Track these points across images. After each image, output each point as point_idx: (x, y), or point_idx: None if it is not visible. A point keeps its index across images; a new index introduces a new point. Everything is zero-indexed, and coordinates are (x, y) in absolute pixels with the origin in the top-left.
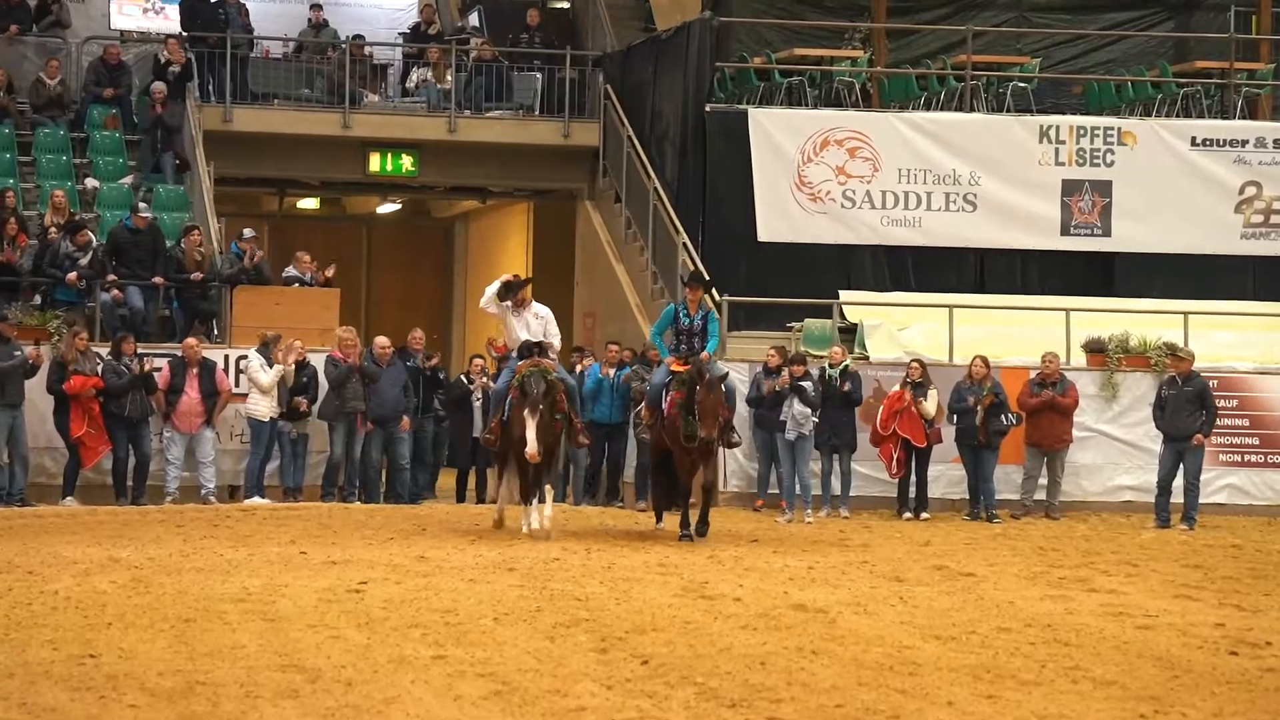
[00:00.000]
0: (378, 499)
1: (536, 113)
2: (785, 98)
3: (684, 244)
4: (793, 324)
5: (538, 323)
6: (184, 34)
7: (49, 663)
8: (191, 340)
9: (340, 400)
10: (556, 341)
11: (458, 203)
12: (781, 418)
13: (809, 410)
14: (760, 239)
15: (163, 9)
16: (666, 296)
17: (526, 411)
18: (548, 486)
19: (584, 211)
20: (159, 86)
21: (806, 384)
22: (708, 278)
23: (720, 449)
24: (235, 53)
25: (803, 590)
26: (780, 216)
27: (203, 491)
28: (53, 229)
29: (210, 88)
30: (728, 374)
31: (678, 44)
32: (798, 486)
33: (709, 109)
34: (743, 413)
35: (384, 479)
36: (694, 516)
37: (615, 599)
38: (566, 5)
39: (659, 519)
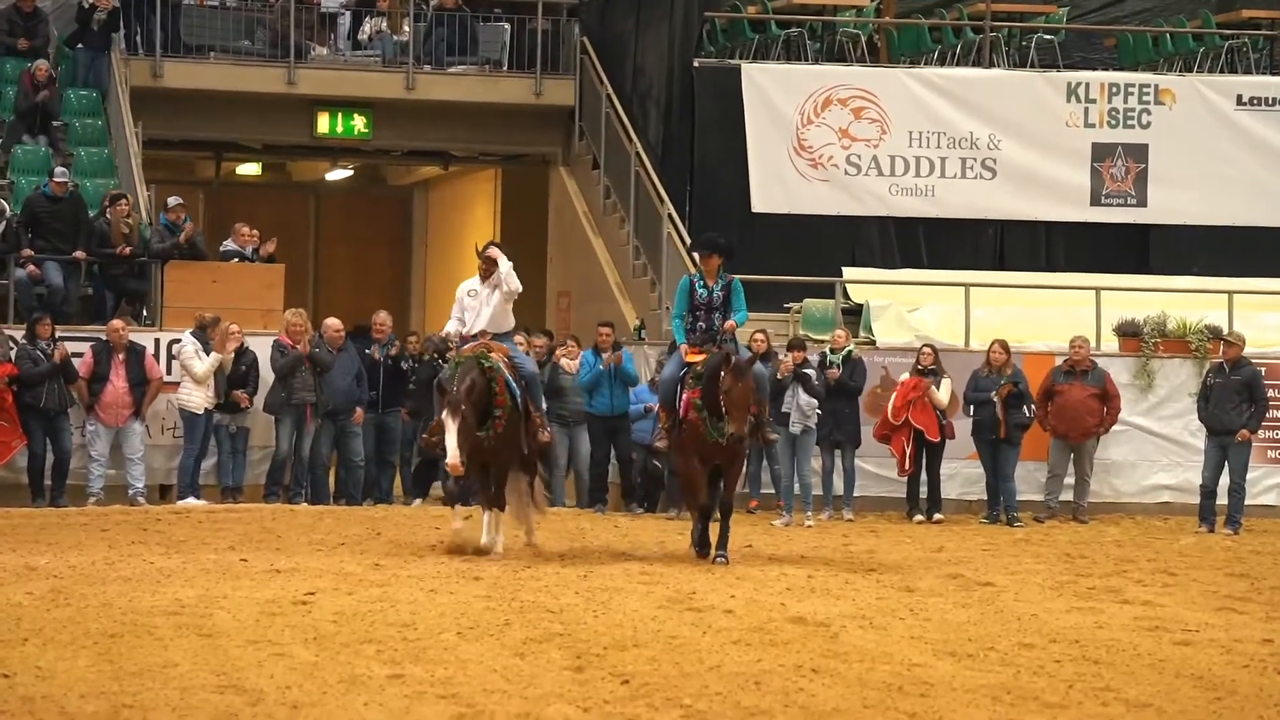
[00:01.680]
0: (327, 500)
1: (505, 68)
2: (782, 51)
3: (669, 215)
4: (791, 304)
5: (498, 296)
6: None
7: None
8: (117, 323)
9: (287, 391)
10: (510, 322)
11: (416, 169)
12: (784, 409)
13: (815, 401)
14: (754, 209)
15: None
16: (650, 273)
17: (446, 414)
18: (538, 490)
19: (558, 179)
20: (42, 65)
21: (810, 372)
22: (723, 241)
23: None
24: (167, 0)
25: (801, 601)
26: (777, 184)
27: (131, 492)
28: None
29: (138, 39)
30: (755, 358)
31: None
32: (796, 486)
33: (697, 64)
34: None
35: (333, 478)
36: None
37: (593, 611)
38: None
39: (699, 545)
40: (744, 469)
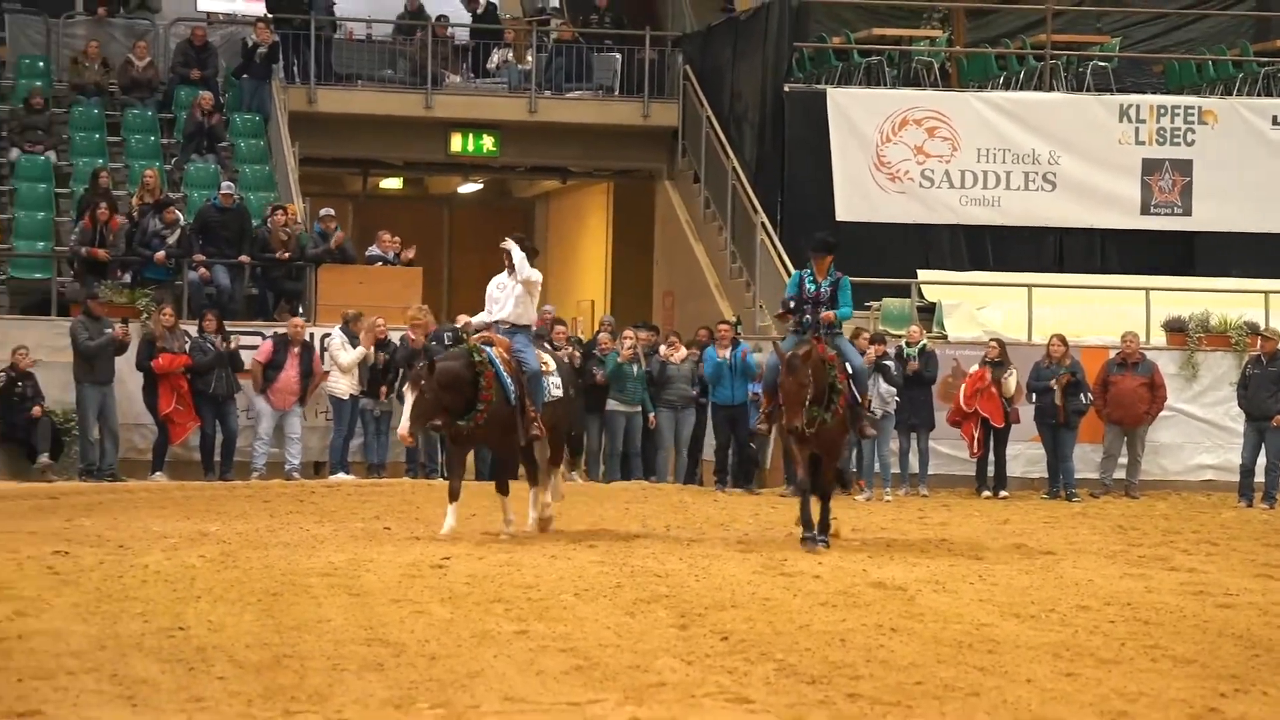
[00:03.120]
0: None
1: (616, 93)
2: (864, 77)
3: (762, 223)
4: (871, 303)
5: (521, 290)
6: (270, 15)
7: (140, 635)
8: (298, 320)
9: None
10: (530, 316)
11: (538, 182)
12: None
13: (893, 389)
14: (838, 218)
15: None
16: (745, 275)
17: (406, 387)
18: (558, 474)
19: (663, 191)
20: (206, 96)
21: (889, 363)
22: (833, 240)
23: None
24: (319, 34)
25: (881, 568)
26: (859, 196)
27: (288, 468)
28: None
29: (295, 69)
30: (809, 353)
31: (757, 24)
32: (876, 465)
33: (788, 89)
34: None
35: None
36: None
37: (695, 576)
38: None
39: (806, 526)
40: (840, 454)
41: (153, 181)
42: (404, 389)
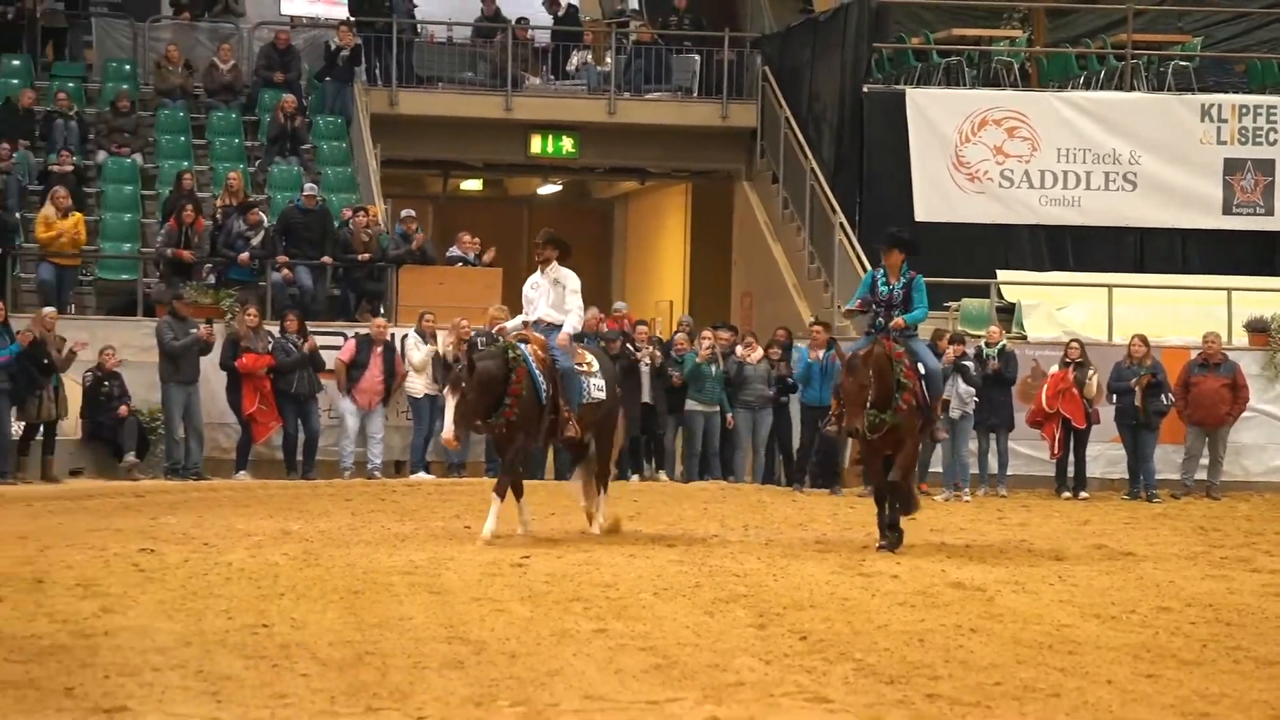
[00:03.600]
0: (539, 475)
1: (695, 94)
2: (943, 78)
3: (841, 224)
4: (950, 303)
5: (556, 290)
6: (352, 19)
7: (224, 632)
8: (381, 320)
9: None
10: (572, 317)
11: (617, 184)
12: (944, 397)
13: (972, 390)
14: (917, 219)
15: None
16: (824, 276)
17: (446, 391)
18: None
19: (741, 192)
20: (289, 99)
21: (969, 363)
22: (904, 235)
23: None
24: (401, 37)
25: (960, 568)
26: (938, 196)
27: (370, 466)
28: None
29: (377, 72)
30: (869, 354)
31: (836, 25)
32: (956, 465)
33: (866, 89)
34: None
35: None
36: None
37: (773, 575)
38: None
39: (881, 534)
40: (913, 456)
41: (237, 184)
42: (445, 392)
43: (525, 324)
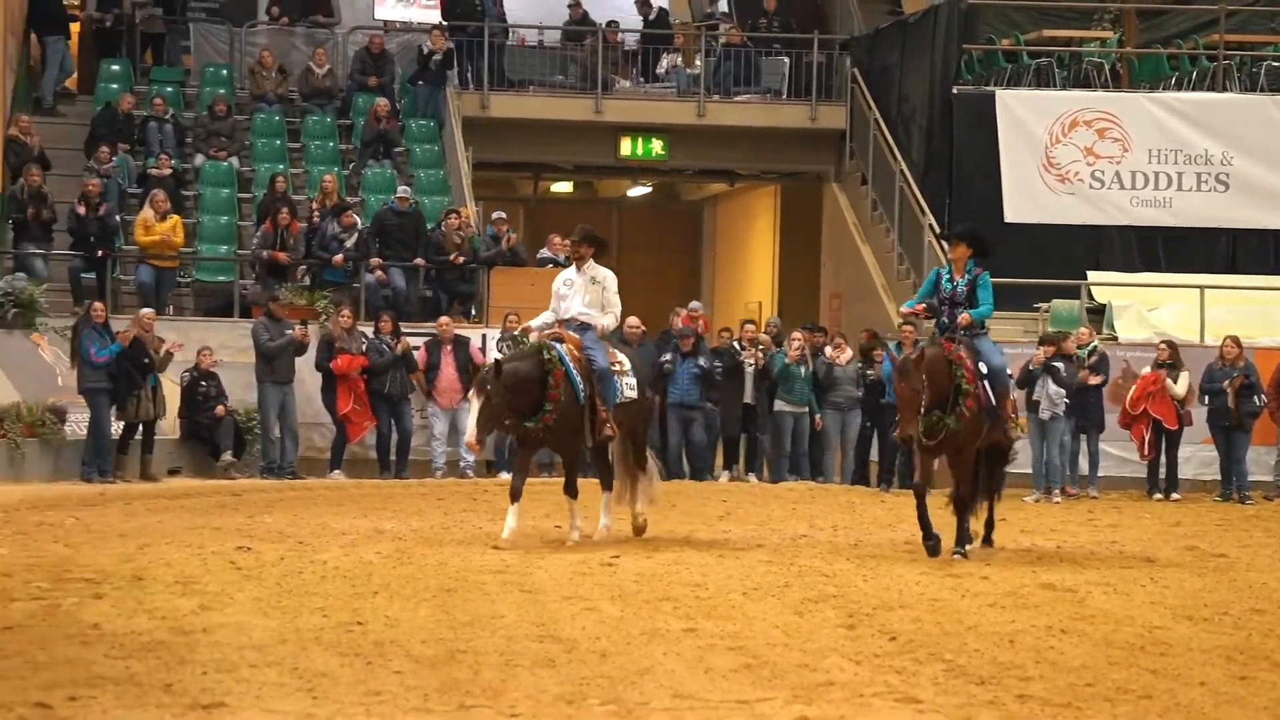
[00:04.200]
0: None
1: (784, 96)
2: (1033, 79)
3: (930, 225)
4: (1040, 305)
5: (594, 289)
6: (444, 23)
7: (319, 629)
8: (445, 319)
9: None
10: (610, 317)
11: (706, 185)
12: (1034, 397)
13: (1063, 391)
14: (1007, 219)
15: None
16: (913, 277)
17: (472, 392)
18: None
19: (830, 193)
20: (383, 102)
21: (1059, 364)
22: (971, 231)
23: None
24: (492, 41)
25: (1051, 569)
26: (1028, 197)
27: (461, 465)
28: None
29: (469, 75)
30: (921, 357)
31: (925, 26)
32: (1046, 466)
33: (956, 91)
34: None
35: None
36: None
37: (863, 576)
38: None
39: (926, 533)
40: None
41: (331, 186)
42: (469, 394)
43: (558, 321)
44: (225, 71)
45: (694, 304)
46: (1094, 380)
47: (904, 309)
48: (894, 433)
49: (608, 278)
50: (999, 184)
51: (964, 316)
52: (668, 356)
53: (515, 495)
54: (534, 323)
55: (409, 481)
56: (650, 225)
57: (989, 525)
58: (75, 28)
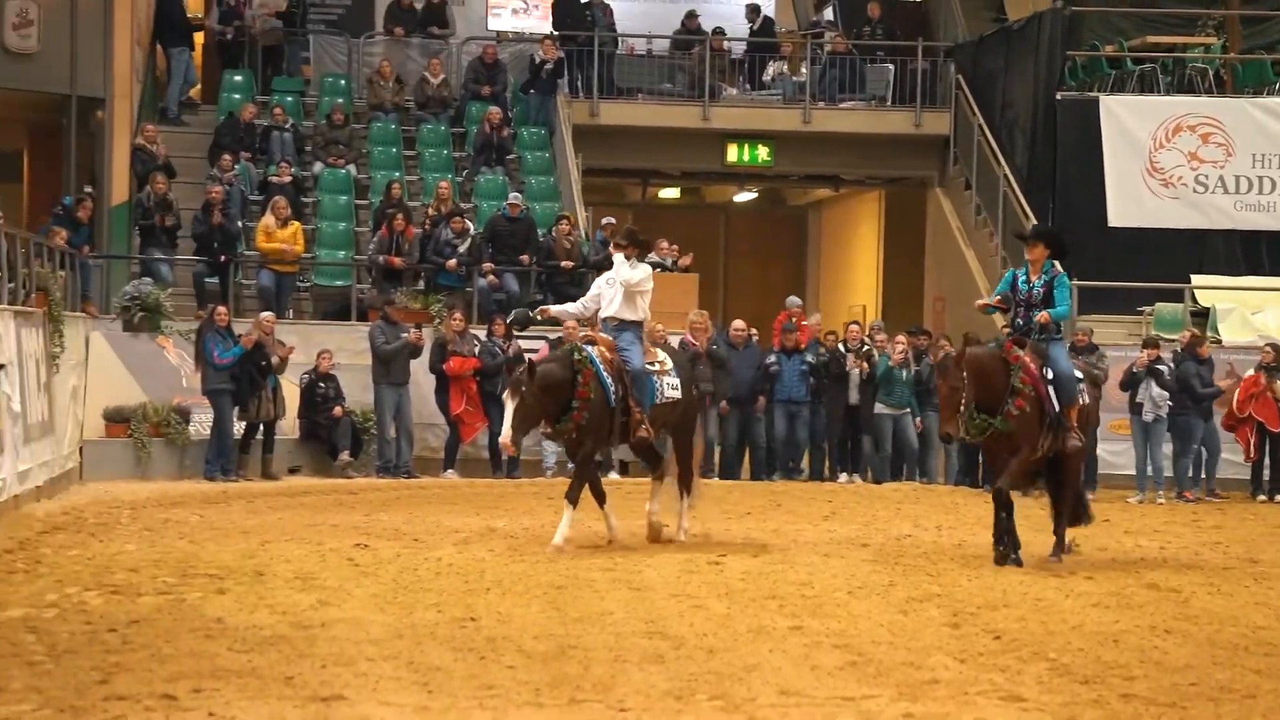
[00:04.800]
0: (736, 476)
1: (888, 103)
2: (1137, 85)
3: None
4: (1144, 308)
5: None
6: (556, 33)
7: (434, 625)
8: (572, 323)
9: None
10: (640, 313)
11: (811, 191)
12: (1138, 400)
13: (1166, 393)
14: (1111, 224)
15: (537, 9)
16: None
17: (506, 394)
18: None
19: (934, 198)
20: (495, 111)
21: (1163, 367)
22: (1049, 231)
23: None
24: (602, 50)
25: (1154, 569)
26: (1131, 201)
27: (570, 465)
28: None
29: (579, 84)
30: (960, 356)
31: (1029, 33)
32: (1149, 468)
33: (1060, 97)
34: None
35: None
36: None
37: (967, 576)
38: None
39: (997, 541)
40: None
41: (445, 193)
42: (504, 395)
43: (586, 320)
44: (343, 81)
45: (793, 300)
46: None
47: (980, 303)
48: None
49: (641, 268)
50: (1102, 188)
51: (1042, 315)
52: (772, 358)
53: (599, 500)
54: (554, 308)
55: (520, 481)
56: (756, 230)
57: (1058, 539)
58: (199, 39)
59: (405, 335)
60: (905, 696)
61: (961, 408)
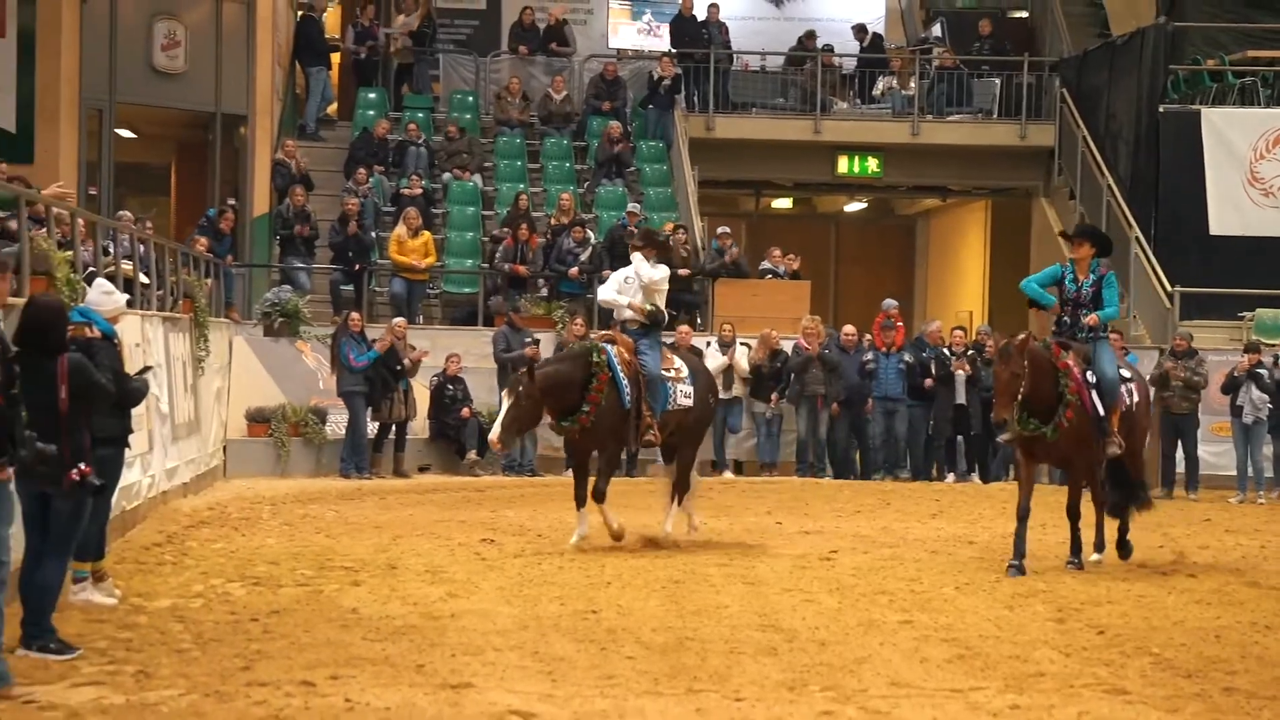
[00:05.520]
0: (849, 475)
1: (995, 116)
2: (1237, 97)
3: (1136, 238)
4: (1244, 313)
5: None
6: (673, 51)
7: (557, 617)
8: (685, 328)
9: (801, 384)
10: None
11: (919, 201)
12: (1239, 403)
13: (1266, 396)
14: (1212, 232)
15: (656, 27)
16: (1119, 288)
17: (505, 392)
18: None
19: (1039, 208)
20: (615, 125)
21: (1264, 371)
22: (1102, 230)
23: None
24: (717, 66)
25: (1255, 567)
26: (1232, 210)
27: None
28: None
29: (695, 99)
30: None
31: (1132, 48)
32: (1250, 469)
33: (1162, 109)
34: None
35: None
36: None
37: (1070, 572)
38: (1025, 15)
39: (1016, 553)
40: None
41: (568, 204)
42: (502, 394)
43: (613, 322)
44: (471, 98)
45: (889, 302)
46: None
47: (1028, 281)
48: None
49: (660, 268)
50: (1204, 198)
51: (1091, 318)
52: (869, 355)
53: (580, 502)
54: (607, 293)
55: (639, 479)
56: (866, 239)
57: (1121, 536)
58: (335, 59)
59: (527, 341)
60: (1012, 689)
61: (1019, 395)
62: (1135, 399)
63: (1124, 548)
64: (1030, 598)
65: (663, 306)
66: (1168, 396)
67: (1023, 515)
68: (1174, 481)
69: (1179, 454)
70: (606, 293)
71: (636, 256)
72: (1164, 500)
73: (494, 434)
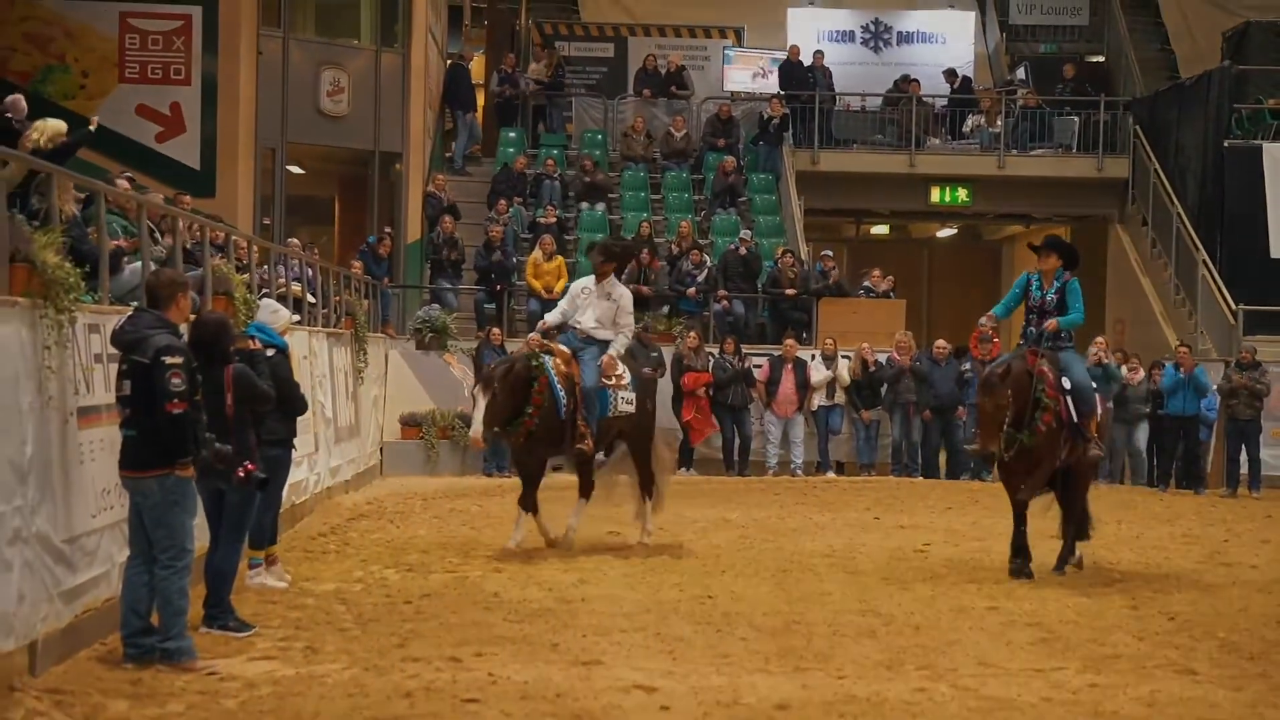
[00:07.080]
0: (936, 476)
1: (1074, 150)
2: None
3: (1203, 261)
4: None
5: (607, 305)
6: (782, 92)
7: (676, 601)
8: (790, 341)
9: (894, 393)
10: (621, 338)
11: (1005, 227)
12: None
13: None
14: (1272, 255)
15: (769, 71)
16: (1188, 306)
17: (478, 390)
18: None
19: (1114, 234)
20: (729, 160)
21: None
22: (1062, 241)
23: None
24: (822, 106)
25: None
26: None
27: (792, 466)
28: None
29: (801, 135)
30: (1005, 372)
31: (1200, 89)
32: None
33: (1227, 145)
34: None
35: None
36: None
37: (1143, 564)
38: (1101, 59)
39: (1015, 553)
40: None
41: (686, 231)
42: (475, 390)
43: (564, 326)
44: (600, 136)
45: (984, 320)
46: None
47: (989, 316)
48: (971, 447)
49: (623, 296)
50: (1265, 225)
51: (1051, 323)
52: (966, 365)
53: (525, 506)
54: (549, 317)
55: (749, 479)
56: (956, 262)
57: (1065, 549)
58: (480, 102)
59: (655, 354)
60: (1090, 669)
61: (1005, 426)
62: (1099, 411)
63: (1061, 564)
64: (1107, 587)
65: (630, 323)
66: (1234, 404)
67: (1019, 517)
68: (1239, 481)
69: (1243, 456)
70: (585, 320)
71: (611, 280)
72: (1228, 499)
73: (475, 431)
